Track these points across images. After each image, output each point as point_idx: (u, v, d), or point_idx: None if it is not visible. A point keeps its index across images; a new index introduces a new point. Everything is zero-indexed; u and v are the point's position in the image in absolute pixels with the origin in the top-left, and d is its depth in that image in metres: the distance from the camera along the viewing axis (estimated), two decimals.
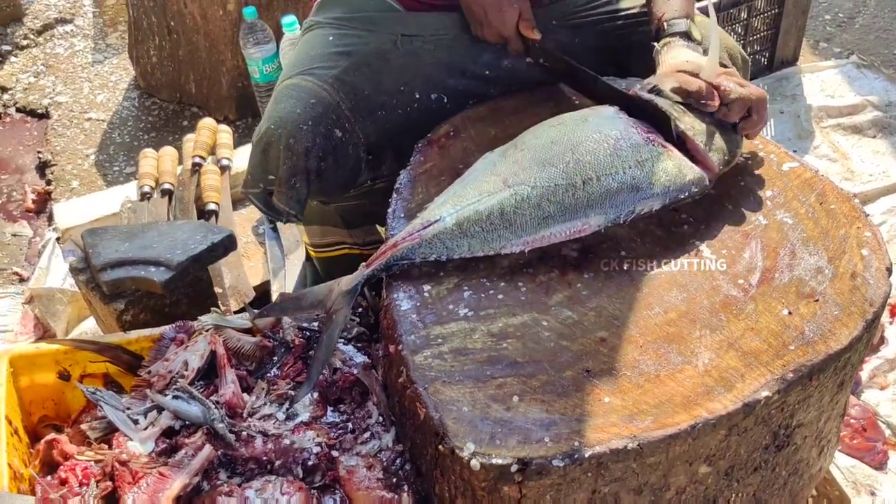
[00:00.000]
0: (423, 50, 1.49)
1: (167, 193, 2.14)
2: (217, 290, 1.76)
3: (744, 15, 2.48)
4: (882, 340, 1.81)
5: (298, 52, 1.50)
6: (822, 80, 2.64)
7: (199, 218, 2.08)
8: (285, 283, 1.98)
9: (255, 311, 1.35)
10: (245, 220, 2.22)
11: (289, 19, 2.43)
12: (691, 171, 1.17)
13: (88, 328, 1.91)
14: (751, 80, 1.56)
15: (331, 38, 1.47)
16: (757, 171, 1.25)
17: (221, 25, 2.59)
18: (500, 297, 1.10)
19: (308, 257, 1.90)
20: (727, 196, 1.21)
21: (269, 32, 2.48)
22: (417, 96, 1.48)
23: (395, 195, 1.30)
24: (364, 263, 1.15)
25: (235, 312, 1.77)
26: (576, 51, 1.49)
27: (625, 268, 1.13)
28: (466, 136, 1.40)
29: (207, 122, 2.34)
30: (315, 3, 1.62)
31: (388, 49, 1.47)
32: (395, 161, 1.46)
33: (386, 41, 1.47)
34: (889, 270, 1.10)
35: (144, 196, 2.12)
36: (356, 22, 1.50)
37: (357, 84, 1.42)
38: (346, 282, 1.15)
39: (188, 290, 1.50)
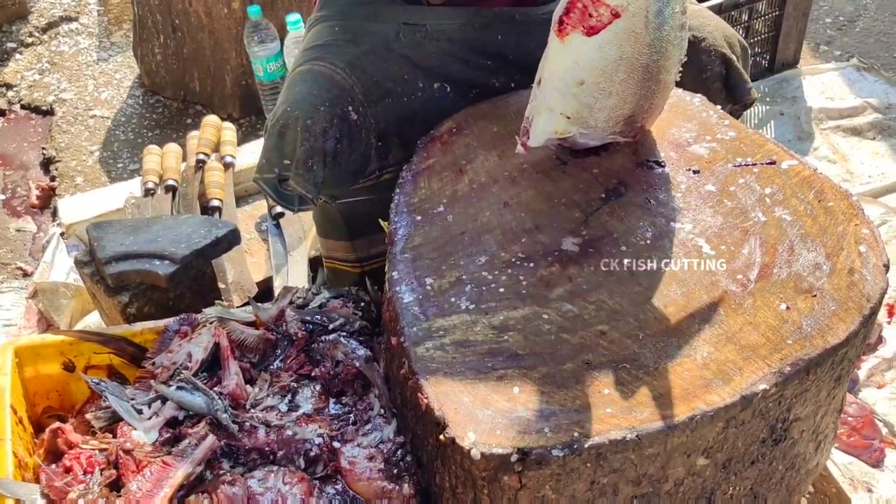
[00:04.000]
0: (427, 39, 1.50)
1: (171, 190, 2.15)
2: (220, 285, 1.78)
3: (745, 17, 2.49)
4: (880, 340, 1.82)
5: (307, 42, 1.52)
6: (823, 83, 2.65)
7: (202, 214, 2.09)
8: (288, 279, 2.00)
9: (259, 304, 1.36)
10: (248, 217, 2.24)
11: (293, 18, 2.45)
12: None
13: (92, 322, 1.92)
14: (752, 80, 1.58)
15: (337, 29, 1.49)
16: (756, 169, 1.26)
17: (226, 24, 2.61)
18: (502, 290, 1.12)
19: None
20: (726, 193, 1.23)
21: (273, 31, 2.50)
22: (421, 85, 1.49)
23: (397, 190, 1.32)
24: None
25: (238, 307, 1.78)
26: None
27: (625, 263, 1.14)
28: (469, 133, 1.41)
29: (212, 120, 2.35)
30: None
31: (392, 38, 1.48)
32: (401, 150, 1.48)
33: (389, 30, 1.49)
34: (886, 267, 1.11)
35: (148, 192, 2.14)
36: (359, 13, 1.51)
37: (367, 69, 1.43)
38: None
39: (192, 284, 1.52)
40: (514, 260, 1.16)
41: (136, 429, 1.16)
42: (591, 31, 1.13)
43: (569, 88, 1.19)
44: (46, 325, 1.99)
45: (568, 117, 1.22)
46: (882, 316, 1.88)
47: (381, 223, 1.31)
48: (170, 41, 2.73)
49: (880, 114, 2.50)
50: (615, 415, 0.95)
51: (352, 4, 1.53)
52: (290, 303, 1.38)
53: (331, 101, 1.37)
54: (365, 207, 1.57)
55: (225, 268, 1.95)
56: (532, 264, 1.15)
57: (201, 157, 2.22)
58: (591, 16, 1.13)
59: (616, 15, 1.12)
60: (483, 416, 0.96)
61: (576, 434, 0.93)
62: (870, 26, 3.05)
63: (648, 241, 1.17)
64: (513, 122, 1.40)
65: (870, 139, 2.44)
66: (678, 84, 1.31)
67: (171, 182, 2.16)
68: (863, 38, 2.98)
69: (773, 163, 1.26)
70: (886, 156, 2.38)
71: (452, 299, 1.11)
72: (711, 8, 2.30)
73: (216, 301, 1.43)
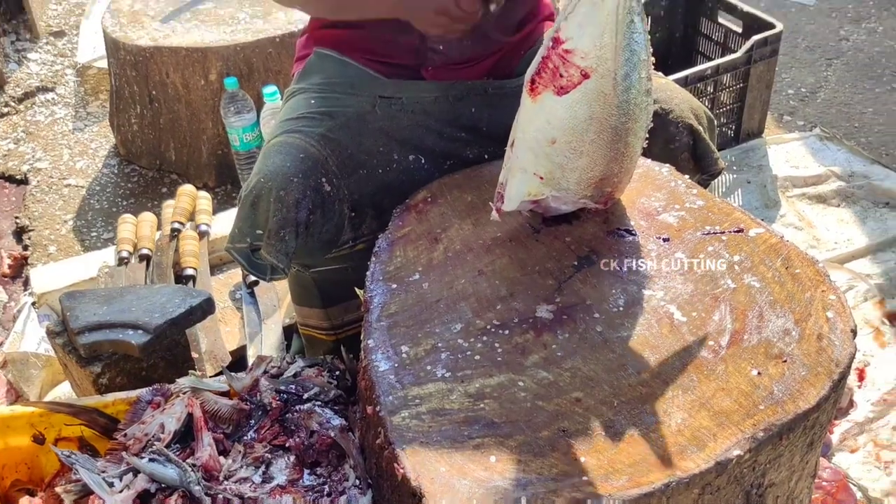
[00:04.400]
0: (402, 112, 1.53)
1: (145, 259, 2.15)
2: (193, 354, 1.76)
3: (710, 89, 2.57)
4: (851, 404, 1.84)
5: (283, 114, 1.54)
6: (787, 152, 2.72)
7: (176, 283, 2.08)
8: (262, 348, 1.99)
9: (233, 374, 1.35)
10: (222, 285, 2.23)
11: (270, 89, 2.48)
12: None
13: (62, 393, 1.89)
14: (719, 150, 1.62)
15: (313, 101, 1.52)
16: (725, 237, 1.29)
17: (203, 95, 2.64)
18: (477, 357, 1.12)
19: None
20: (696, 261, 1.25)
21: (249, 102, 2.54)
22: (396, 157, 1.52)
23: (373, 258, 1.33)
24: None
25: (212, 377, 1.76)
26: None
27: (598, 329, 1.16)
28: (444, 202, 1.43)
29: (187, 189, 2.37)
30: (296, 72, 1.67)
31: (368, 111, 1.52)
32: (375, 220, 1.49)
33: (365, 103, 1.52)
34: (854, 332, 1.13)
35: (122, 261, 2.13)
36: (336, 86, 1.55)
37: (342, 141, 1.46)
38: None
39: (165, 354, 1.51)
40: (489, 327, 1.17)
41: (106, 502, 1.14)
42: (562, 91, 1.17)
43: (541, 147, 1.22)
44: (16, 396, 1.95)
45: (541, 177, 1.25)
46: (853, 380, 1.91)
47: (357, 291, 1.32)
48: (146, 111, 2.75)
49: (844, 181, 2.57)
50: (592, 482, 0.95)
51: (329, 78, 1.56)
52: (265, 372, 1.38)
53: (304, 172, 1.39)
54: (339, 275, 1.58)
55: (198, 337, 1.94)
56: (507, 331, 1.16)
57: (176, 225, 2.22)
58: (561, 76, 1.16)
59: (586, 75, 1.16)
60: (460, 486, 0.96)
61: (553, 503, 0.93)
62: (831, 97, 3.15)
63: (621, 308, 1.19)
64: (486, 191, 1.43)
65: (835, 206, 2.50)
66: (647, 154, 1.35)
67: (145, 251, 2.16)
68: (824, 109, 3.08)
69: (740, 231, 1.29)
70: (851, 223, 2.44)
71: (428, 367, 1.11)
72: (678, 80, 2.37)
73: (189, 371, 1.42)
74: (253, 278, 2.13)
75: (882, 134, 2.92)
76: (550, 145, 1.21)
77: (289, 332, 2.03)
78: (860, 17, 3.67)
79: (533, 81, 1.18)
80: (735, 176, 2.63)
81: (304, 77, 1.61)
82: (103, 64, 3.11)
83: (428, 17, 1.36)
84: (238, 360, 1.97)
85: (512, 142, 1.25)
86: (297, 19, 2.63)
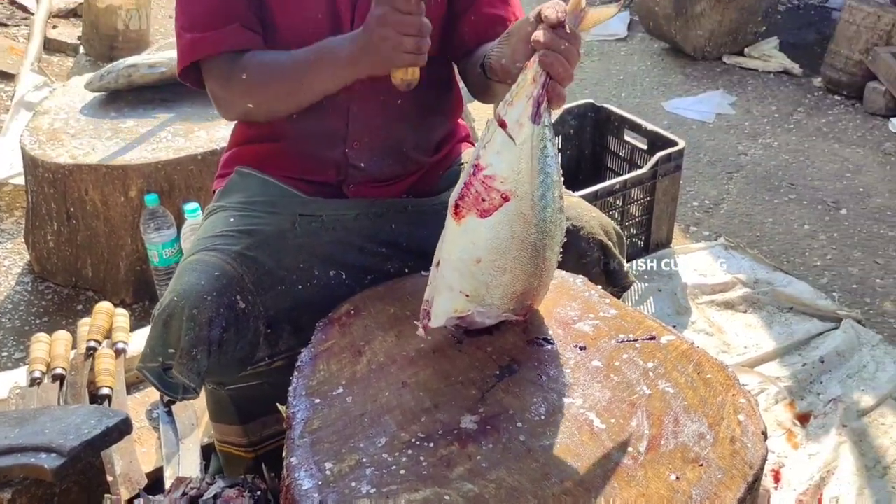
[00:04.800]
0: (322, 229, 1.56)
1: (58, 378, 2.08)
2: (108, 478, 1.70)
3: (620, 202, 2.69)
4: None
5: (201, 232, 1.55)
6: (695, 261, 2.85)
7: (91, 402, 2.02)
8: (180, 469, 1.92)
9: (150, 497, 1.31)
10: (139, 404, 2.17)
11: (191, 206, 2.49)
12: None
13: None
14: (628, 261, 1.69)
15: (232, 220, 1.54)
16: (638, 344, 1.34)
17: (122, 211, 2.63)
18: (402, 472, 1.12)
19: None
20: (612, 368, 1.29)
21: (170, 218, 2.54)
22: (316, 273, 1.53)
23: (296, 373, 1.33)
24: None
25: (127, 502, 1.70)
26: None
27: (522, 439, 1.17)
28: (367, 315, 1.45)
29: (104, 306, 2.32)
30: (217, 189, 1.70)
31: (288, 229, 1.54)
32: (293, 337, 1.50)
33: (285, 221, 1.55)
34: (765, 434, 1.18)
35: (34, 381, 2.06)
36: (257, 205, 1.57)
37: (259, 259, 1.47)
38: None
39: (79, 478, 1.46)
40: (413, 440, 1.17)
41: None
42: (485, 214, 1.23)
43: (467, 267, 1.26)
44: None
45: (467, 295, 1.29)
46: (769, 482, 1.95)
47: (279, 407, 1.31)
48: (63, 228, 2.72)
49: (749, 288, 2.69)
50: None
51: (250, 197, 1.59)
52: (183, 494, 1.34)
53: (218, 290, 1.39)
54: (256, 391, 1.56)
55: (113, 459, 1.87)
56: (432, 444, 1.16)
57: (92, 343, 2.17)
58: (483, 200, 1.22)
59: (506, 198, 1.22)
60: None
61: None
62: (733, 208, 3.33)
63: (543, 417, 1.21)
64: (409, 303, 1.45)
65: (742, 312, 2.61)
66: (561, 267, 1.41)
67: (59, 370, 2.09)
68: (728, 220, 3.25)
69: (653, 338, 1.35)
70: (759, 328, 2.54)
71: (353, 484, 1.10)
72: (589, 195, 2.48)
73: (104, 495, 1.37)
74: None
75: (782, 242, 3.09)
76: (476, 264, 1.26)
77: (207, 451, 1.98)
78: (756, 133, 3.93)
79: (457, 206, 1.24)
80: (647, 284, 2.73)
81: (224, 195, 1.64)
82: (20, 181, 3.08)
83: (383, 49, 1.32)
84: (155, 483, 1.90)
85: (437, 262, 1.29)
86: (220, 137, 2.68)
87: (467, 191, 1.23)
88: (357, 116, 1.58)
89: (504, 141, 1.21)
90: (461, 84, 1.73)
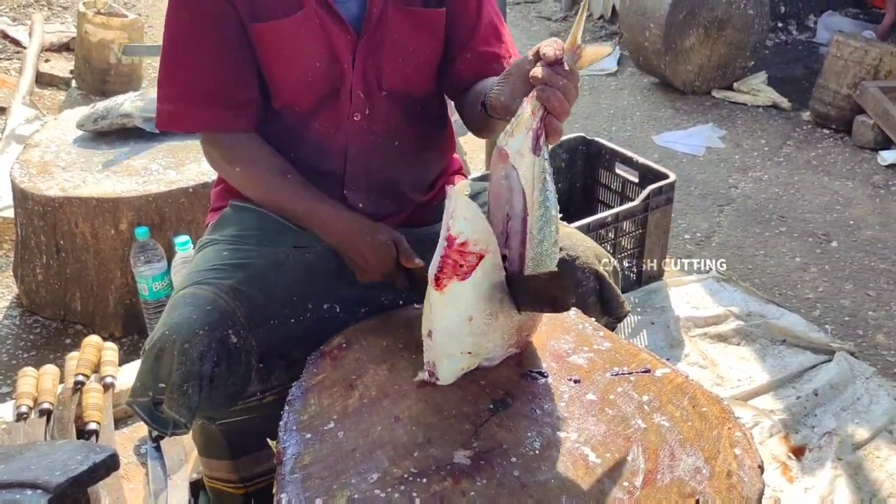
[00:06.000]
0: (315, 261, 1.55)
1: (45, 413, 2.05)
2: None
3: (612, 235, 2.69)
4: None
5: (194, 265, 1.54)
6: (687, 293, 2.85)
7: (79, 437, 1.99)
8: None
9: None
10: (126, 440, 2.14)
11: (181, 239, 2.48)
12: None
13: None
14: (623, 292, 1.69)
15: (225, 253, 1.53)
16: (633, 378, 1.33)
17: (112, 244, 2.61)
18: None
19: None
20: (607, 401, 1.28)
21: (160, 251, 2.53)
22: (310, 306, 1.52)
23: (286, 407, 1.31)
24: None
25: None
26: None
27: (516, 474, 1.16)
28: (359, 348, 1.44)
29: (92, 340, 2.30)
30: (210, 223, 1.69)
31: (282, 261, 1.53)
32: (285, 371, 1.48)
33: (279, 253, 1.54)
34: (761, 468, 1.17)
35: (21, 416, 2.03)
36: (250, 238, 1.57)
37: (252, 294, 1.46)
38: None
39: None
40: (406, 476, 1.15)
41: None
42: (465, 276, 1.25)
43: (460, 329, 1.28)
44: None
45: (469, 352, 1.31)
46: None
47: (270, 443, 1.29)
48: (53, 261, 2.70)
49: (742, 321, 2.69)
50: None
51: (244, 230, 1.58)
52: None
53: (210, 324, 1.38)
54: (247, 426, 1.54)
55: (100, 495, 1.84)
56: (425, 480, 1.15)
57: (80, 378, 2.14)
58: (461, 265, 1.25)
59: (481, 256, 1.25)
60: None
61: None
62: (724, 241, 3.34)
63: (537, 452, 1.19)
64: (402, 335, 1.44)
65: (735, 345, 2.60)
66: None
67: (46, 405, 2.07)
68: (719, 252, 3.25)
69: (647, 371, 1.34)
70: (752, 360, 2.53)
71: None
72: (581, 227, 2.48)
73: None
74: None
75: (774, 275, 3.09)
76: (468, 323, 1.28)
77: (196, 487, 1.95)
78: (746, 167, 3.96)
79: (437, 279, 1.26)
80: (639, 317, 2.72)
81: (217, 228, 1.63)
82: (9, 214, 3.06)
83: (353, 260, 1.52)
84: None
85: (428, 332, 1.31)
86: (211, 170, 2.65)
87: (445, 263, 1.25)
88: (354, 159, 1.58)
89: (465, 204, 1.23)
90: (453, 118, 1.73)
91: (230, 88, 1.51)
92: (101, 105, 2.94)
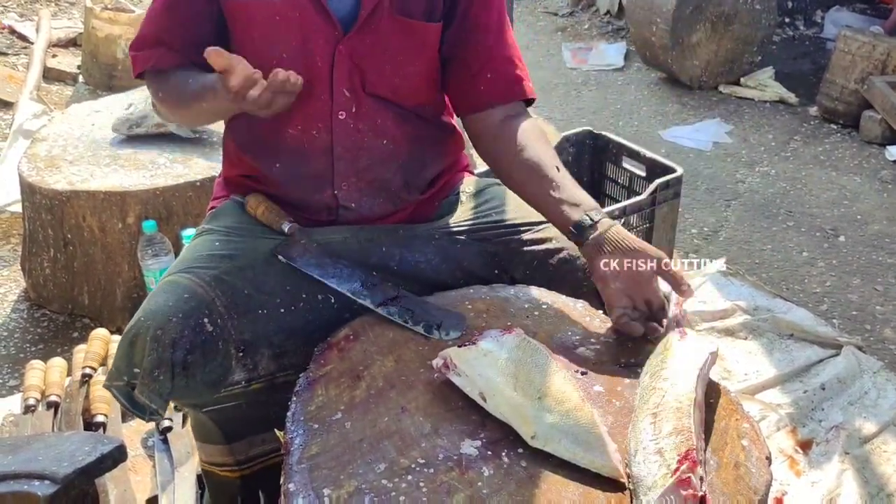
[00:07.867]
0: (312, 251, 1.55)
1: (53, 406, 2.06)
2: None
3: None
4: None
5: (184, 253, 1.55)
6: (694, 287, 2.83)
7: (86, 430, 2.00)
8: (175, 498, 1.90)
9: None
10: (134, 433, 2.14)
11: (188, 232, 2.49)
12: None
13: None
14: None
15: (217, 244, 1.53)
16: (640, 370, 1.33)
17: (119, 238, 2.62)
18: (402, 498, 1.10)
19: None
20: (614, 393, 1.28)
21: (167, 245, 2.53)
22: (304, 296, 1.52)
23: (294, 398, 1.31)
24: None
25: None
26: (459, 256, 1.58)
27: (523, 465, 1.16)
28: (366, 339, 1.44)
29: (100, 333, 2.31)
30: (209, 211, 1.69)
31: (276, 251, 1.53)
32: (273, 362, 1.48)
33: (273, 245, 1.53)
34: (769, 459, 1.16)
35: (29, 409, 2.04)
36: (244, 231, 1.57)
37: (236, 284, 1.46)
38: None
39: None
40: (413, 466, 1.15)
41: None
42: None
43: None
44: None
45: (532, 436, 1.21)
46: None
47: (277, 433, 1.29)
48: (60, 255, 2.71)
49: (749, 315, 2.67)
50: None
51: (240, 223, 1.58)
52: None
53: (185, 312, 1.38)
54: (235, 413, 1.53)
55: (107, 487, 1.84)
56: (432, 470, 1.15)
57: (88, 371, 2.15)
58: None
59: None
60: None
61: None
62: (731, 236, 3.33)
63: None
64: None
65: (742, 339, 2.59)
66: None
67: (53, 398, 2.07)
68: (727, 247, 3.24)
69: None
70: (759, 354, 2.52)
71: None
72: None
73: None
74: (166, 424, 2.06)
75: (781, 269, 3.08)
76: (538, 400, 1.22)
77: (203, 480, 1.95)
78: (753, 162, 3.95)
79: None
80: None
81: (214, 219, 1.63)
82: (17, 208, 3.07)
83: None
84: None
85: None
86: (218, 164, 2.67)
87: None
88: (341, 158, 1.57)
89: None
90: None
91: (177, 35, 1.55)
92: (137, 111, 2.93)
